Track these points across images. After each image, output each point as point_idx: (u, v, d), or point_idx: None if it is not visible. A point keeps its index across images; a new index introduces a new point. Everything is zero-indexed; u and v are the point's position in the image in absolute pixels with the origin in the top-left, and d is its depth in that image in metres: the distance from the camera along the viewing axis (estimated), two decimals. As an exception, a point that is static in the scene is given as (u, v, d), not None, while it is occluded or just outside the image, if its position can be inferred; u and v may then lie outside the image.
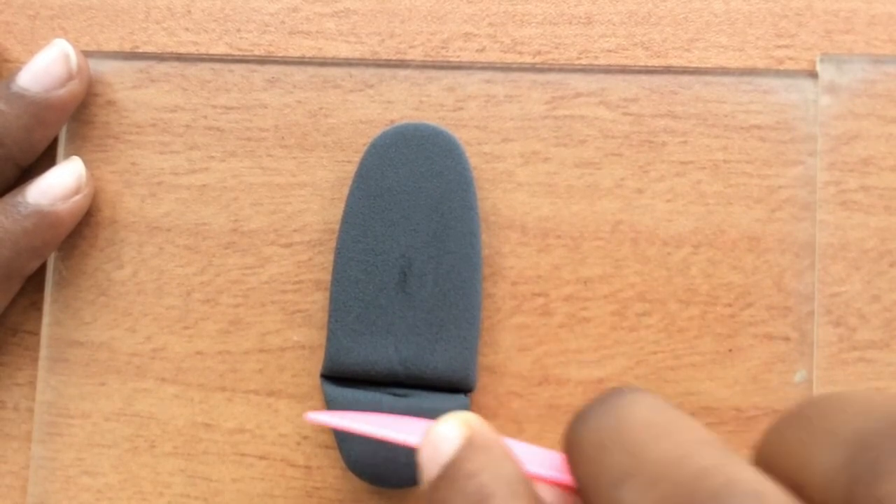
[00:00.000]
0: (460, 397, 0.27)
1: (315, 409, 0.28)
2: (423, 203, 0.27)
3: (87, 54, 0.29)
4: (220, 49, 0.29)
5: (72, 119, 0.29)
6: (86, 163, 0.29)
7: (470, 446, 0.18)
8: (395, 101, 0.29)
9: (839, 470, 0.15)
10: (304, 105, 0.29)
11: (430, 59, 0.29)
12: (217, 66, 0.29)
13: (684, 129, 0.28)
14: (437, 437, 0.19)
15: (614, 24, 0.29)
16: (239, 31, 0.29)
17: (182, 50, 0.29)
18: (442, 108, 0.28)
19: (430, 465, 0.19)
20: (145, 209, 0.29)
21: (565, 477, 0.19)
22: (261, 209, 0.29)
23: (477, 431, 0.19)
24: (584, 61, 0.28)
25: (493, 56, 0.29)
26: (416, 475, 0.26)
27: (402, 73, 0.29)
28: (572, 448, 0.18)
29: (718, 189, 0.28)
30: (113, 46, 0.29)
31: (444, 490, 0.18)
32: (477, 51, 0.29)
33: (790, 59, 0.28)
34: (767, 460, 0.16)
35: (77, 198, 0.28)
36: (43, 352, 0.29)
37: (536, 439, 0.27)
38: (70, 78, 0.28)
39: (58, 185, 0.27)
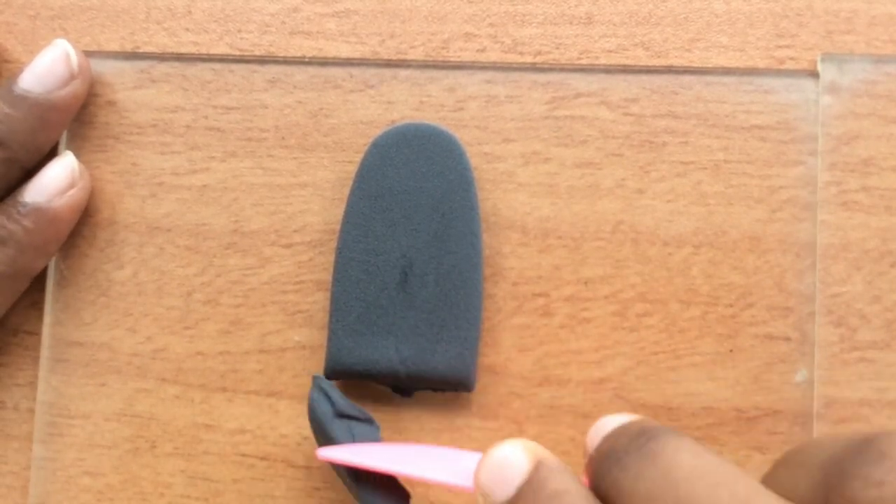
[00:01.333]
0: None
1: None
2: (424, 203, 0.27)
3: (87, 54, 0.29)
4: (220, 49, 0.29)
5: (73, 119, 0.29)
6: (86, 163, 0.29)
7: (545, 467, 0.19)
8: (395, 101, 0.29)
9: (817, 487, 0.17)
10: (304, 105, 0.29)
11: (431, 59, 0.29)
12: (218, 66, 0.29)
13: (685, 130, 0.28)
14: (504, 459, 0.20)
15: (615, 25, 0.29)
16: (239, 31, 0.29)
17: (182, 50, 0.29)
18: (442, 108, 0.28)
19: (501, 486, 0.19)
20: (146, 210, 0.29)
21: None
22: (261, 209, 0.29)
23: (543, 454, 0.20)
24: (584, 61, 0.28)
25: (493, 56, 0.29)
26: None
27: (402, 73, 0.29)
28: (616, 495, 0.18)
29: (719, 189, 0.28)
30: (114, 47, 0.29)
31: None
32: (477, 51, 0.29)
33: (791, 59, 0.28)
34: None
35: (73, 192, 0.28)
36: (44, 352, 0.29)
37: (537, 440, 0.27)
38: (72, 78, 0.28)
39: (52, 181, 0.27)
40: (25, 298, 0.29)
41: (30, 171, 0.28)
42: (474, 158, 0.28)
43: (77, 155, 0.28)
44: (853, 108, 0.28)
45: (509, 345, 0.28)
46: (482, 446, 0.27)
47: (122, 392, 0.28)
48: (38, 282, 0.29)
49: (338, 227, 0.28)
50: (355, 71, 0.29)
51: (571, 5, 0.29)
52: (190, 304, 0.28)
